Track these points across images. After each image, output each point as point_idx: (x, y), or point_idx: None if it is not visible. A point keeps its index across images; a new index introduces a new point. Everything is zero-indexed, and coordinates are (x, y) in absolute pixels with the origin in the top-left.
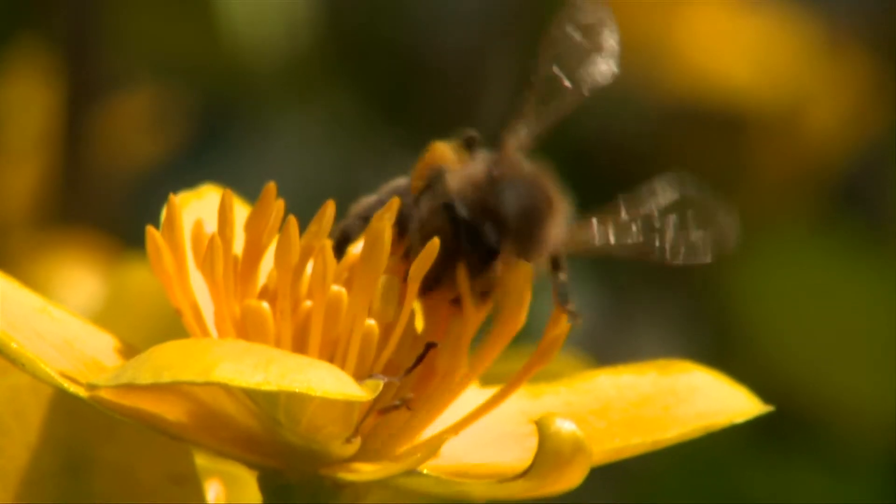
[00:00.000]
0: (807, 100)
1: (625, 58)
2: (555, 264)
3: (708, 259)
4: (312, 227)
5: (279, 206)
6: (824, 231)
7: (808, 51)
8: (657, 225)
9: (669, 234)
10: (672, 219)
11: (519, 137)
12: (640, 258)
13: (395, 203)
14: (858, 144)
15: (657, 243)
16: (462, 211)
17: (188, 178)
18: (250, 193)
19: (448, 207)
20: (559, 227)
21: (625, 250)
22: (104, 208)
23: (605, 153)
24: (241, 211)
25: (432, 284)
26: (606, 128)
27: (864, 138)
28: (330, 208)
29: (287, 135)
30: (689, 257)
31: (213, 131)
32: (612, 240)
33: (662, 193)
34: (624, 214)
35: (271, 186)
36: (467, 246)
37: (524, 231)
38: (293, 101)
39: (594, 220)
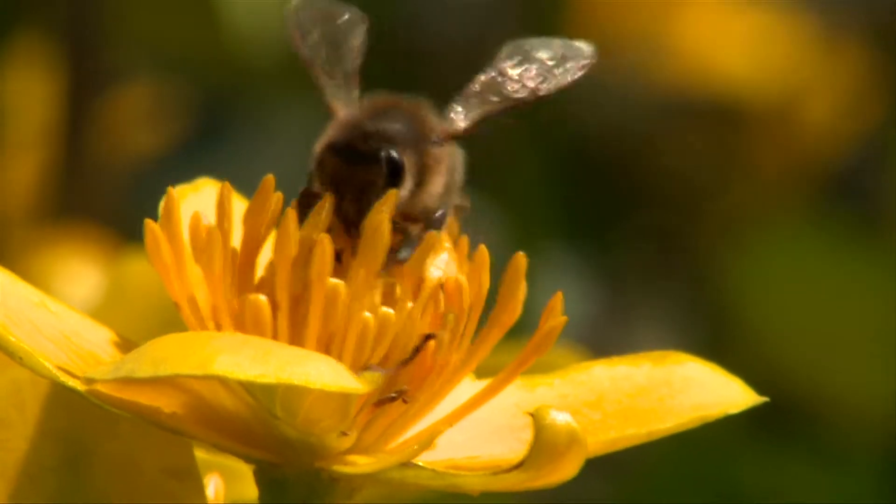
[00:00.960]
0: (803, 93)
1: (622, 51)
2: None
3: (574, 75)
4: (310, 220)
5: (277, 198)
6: (820, 223)
7: (804, 44)
8: (514, 74)
9: (532, 72)
10: (527, 58)
11: (342, 92)
12: (515, 106)
13: (392, 195)
14: (854, 137)
15: (525, 84)
16: (343, 141)
17: (188, 171)
18: (250, 187)
19: (330, 146)
20: (437, 120)
21: (498, 107)
22: (104, 201)
23: (602, 146)
24: (239, 204)
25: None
26: (604, 121)
27: (860, 131)
28: (328, 201)
29: (286, 128)
30: (558, 80)
31: (213, 125)
32: (478, 108)
33: (508, 55)
34: (476, 85)
35: (269, 179)
36: (365, 171)
37: (410, 136)
38: (293, 95)
39: (454, 104)
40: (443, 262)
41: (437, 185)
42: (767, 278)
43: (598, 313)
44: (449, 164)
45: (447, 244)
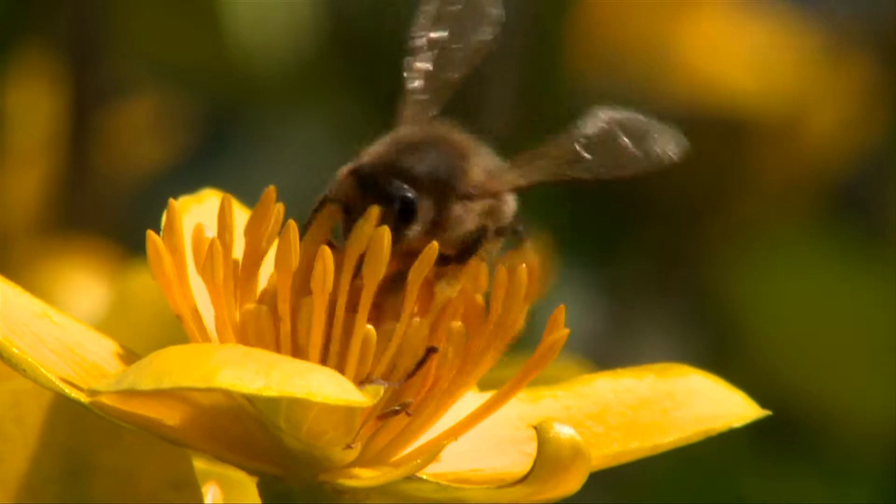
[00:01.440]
0: (807, 106)
1: (626, 65)
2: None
3: (661, 162)
4: (312, 232)
5: (279, 210)
6: (824, 237)
7: (809, 57)
8: (592, 142)
9: (610, 148)
10: (609, 135)
11: (419, 104)
12: (586, 178)
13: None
14: (858, 151)
15: (597, 158)
16: (367, 169)
17: (192, 183)
18: (254, 199)
19: (354, 171)
20: (480, 172)
21: (567, 174)
22: (108, 214)
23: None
24: (242, 216)
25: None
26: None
27: (864, 145)
28: (331, 213)
29: (291, 140)
30: (639, 166)
31: (218, 137)
32: (545, 171)
33: (590, 123)
34: (545, 149)
35: (270, 190)
36: (378, 202)
37: (437, 183)
38: (297, 107)
39: (524, 156)
40: (455, 279)
41: (460, 230)
42: (771, 291)
43: (602, 326)
44: (484, 212)
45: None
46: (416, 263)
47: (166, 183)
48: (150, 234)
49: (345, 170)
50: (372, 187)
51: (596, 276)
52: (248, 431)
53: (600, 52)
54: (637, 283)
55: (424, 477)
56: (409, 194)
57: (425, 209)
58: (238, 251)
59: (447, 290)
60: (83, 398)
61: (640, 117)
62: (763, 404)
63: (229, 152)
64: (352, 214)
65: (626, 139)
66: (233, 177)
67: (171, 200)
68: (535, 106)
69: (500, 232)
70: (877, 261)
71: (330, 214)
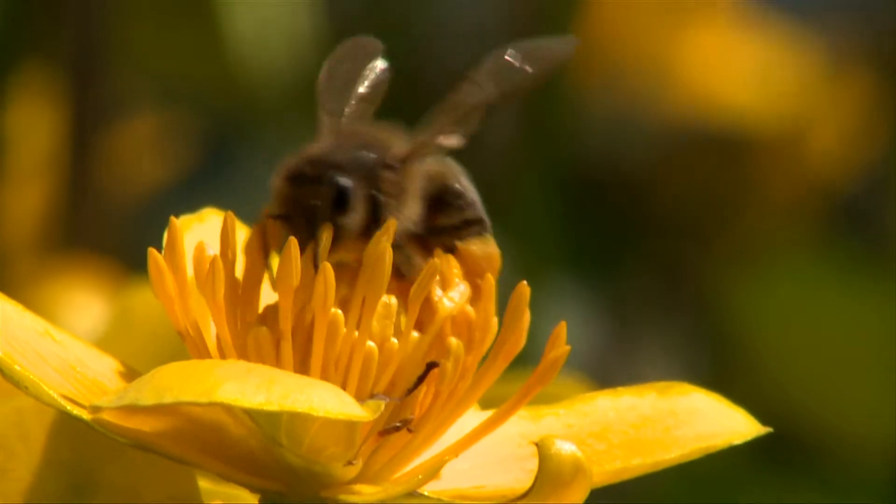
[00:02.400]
0: (809, 122)
1: (628, 80)
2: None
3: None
4: (312, 249)
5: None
6: (826, 253)
7: (810, 73)
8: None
9: (506, 74)
10: (502, 65)
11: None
12: (504, 99)
13: (392, 224)
14: (861, 166)
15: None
16: (293, 170)
17: (193, 201)
18: (256, 217)
19: (282, 171)
20: (402, 144)
21: (472, 109)
22: (109, 232)
23: (607, 175)
24: (243, 234)
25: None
26: (610, 150)
27: (866, 160)
28: (329, 230)
29: None
30: (540, 64)
31: (219, 155)
32: (454, 119)
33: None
34: (446, 101)
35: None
36: (310, 195)
37: (362, 164)
38: (298, 125)
39: (433, 116)
40: (457, 295)
41: (411, 209)
42: (772, 308)
43: (603, 343)
44: (422, 187)
45: (455, 270)
46: (416, 284)
47: (167, 201)
48: (152, 251)
49: (275, 180)
50: (299, 179)
51: (597, 294)
52: (249, 448)
53: (602, 69)
54: (638, 300)
55: (426, 493)
56: (338, 177)
57: (358, 189)
58: (240, 269)
59: (450, 306)
60: (85, 415)
61: (528, 43)
62: (764, 421)
63: (231, 170)
64: (291, 214)
65: (516, 62)
66: (234, 195)
67: (173, 218)
68: (536, 122)
69: (467, 223)
70: (879, 277)
71: (272, 231)
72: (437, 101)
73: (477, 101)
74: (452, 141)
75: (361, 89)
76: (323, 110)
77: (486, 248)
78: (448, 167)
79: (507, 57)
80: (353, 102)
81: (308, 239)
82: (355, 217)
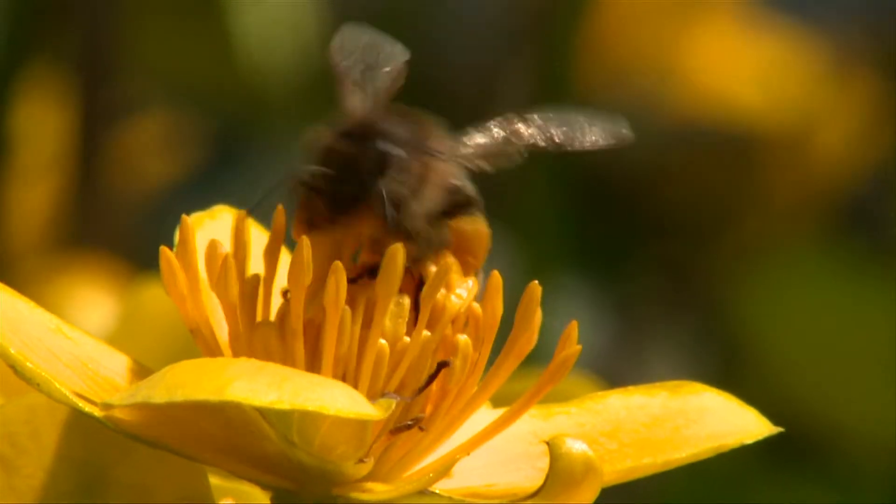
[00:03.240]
0: (814, 122)
1: (633, 81)
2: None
3: (606, 142)
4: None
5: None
6: (832, 253)
7: (816, 73)
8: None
9: (559, 125)
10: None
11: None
12: (530, 148)
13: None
14: (866, 166)
15: (550, 134)
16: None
17: (202, 200)
18: (264, 216)
19: (330, 125)
20: (442, 139)
21: (511, 147)
22: (118, 231)
23: (614, 176)
24: (254, 233)
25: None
26: (616, 151)
27: (871, 160)
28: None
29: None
30: (586, 142)
31: (227, 154)
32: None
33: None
34: (496, 121)
35: (280, 211)
36: (355, 149)
37: (409, 138)
38: (306, 124)
39: (468, 131)
40: (464, 292)
41: (431, 198)
42: (780, 308)
43: (611, 343)
44: (449, 186)
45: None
46: (428, 283)
47: (176, 200)
48: (164, 249)
49: (320, 136)
50: (347, 136)
51: (605, 293)
52: (260, 445)
53: (609, 69)
54: (646, 299)
55: (437, 492)
56: (385, 141)
57: (399, 160)
58: (252, 267)
59: (458, 302)
60: (97, 412)
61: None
62: (773, 420)
63: (239, 169)
64: (330, 165)
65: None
66: (242, 194)
67: (184, 216)
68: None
69: (465, 203)
70: (884, 276)
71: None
72: (439, 98)
73: (525, 143)
74: (486, 167)
75: (386, 69)
76: (350, 87)
77: (475, 226)
78: None
79: (569, 119)
80: (381, 89)
81: (340, 194)
82: (392, 187)
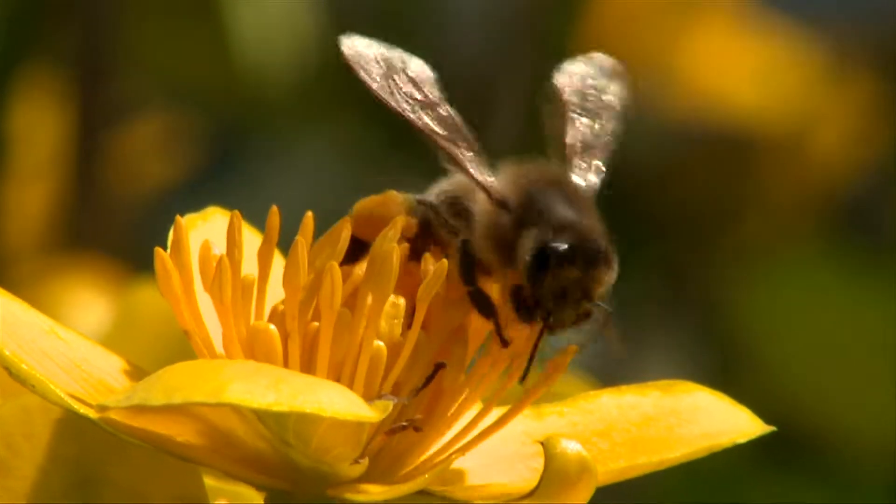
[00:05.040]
0: (813, 122)
1: (632, 82)
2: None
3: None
4: (322, 249)
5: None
6: (830, 253)
7: (814, 74)
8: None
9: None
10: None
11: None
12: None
13: (399, 222)
14: (864, 166)
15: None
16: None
17: (200, 202)
18: (261, 217)
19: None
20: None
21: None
22: (115, 232)
23: (612, 176)
24: (247, 234)
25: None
26: (613, 151)
27: (869, 160)
28: (344, 230)
29: (298, 159)
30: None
31: (225, 155)
32: None
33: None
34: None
35: (273, 211)
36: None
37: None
38: (304, 126)
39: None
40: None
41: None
42: (776, 308)
43: (608, 343)
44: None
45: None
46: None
47: (173, 201)
48: (159, 251)
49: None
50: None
51: None
52: (256, 447)
53: None
54: (642, 300)
55: (433, 492)
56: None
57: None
58: (245, 269)
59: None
60: (92, 414)
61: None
62: (768, 420)
63: (236, 171)
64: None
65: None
66: (240, 196)
67: (178, 218)
68: (542, 122)
69: None
70: (881, 277)
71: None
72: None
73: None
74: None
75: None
76: (420, 117)
77: None
78: None
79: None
80: (448, 114)
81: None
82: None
